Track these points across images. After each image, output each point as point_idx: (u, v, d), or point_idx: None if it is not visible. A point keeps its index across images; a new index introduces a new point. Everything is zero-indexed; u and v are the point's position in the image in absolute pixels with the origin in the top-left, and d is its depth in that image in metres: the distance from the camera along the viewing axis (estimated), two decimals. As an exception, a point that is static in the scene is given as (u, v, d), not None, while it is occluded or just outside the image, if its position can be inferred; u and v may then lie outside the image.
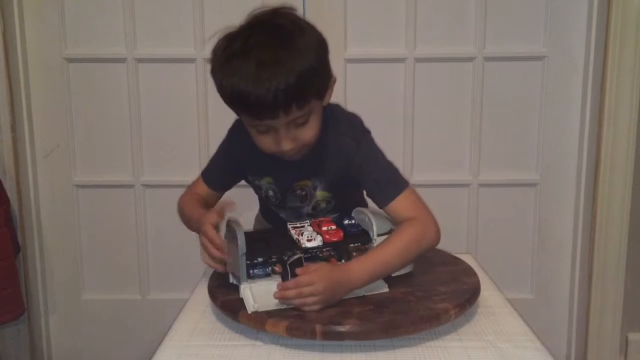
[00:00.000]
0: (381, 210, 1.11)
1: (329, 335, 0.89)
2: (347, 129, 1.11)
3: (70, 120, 1.88)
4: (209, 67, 1.83)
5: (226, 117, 1.94)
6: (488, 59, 1.83)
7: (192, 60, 1.84)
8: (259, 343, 0.93)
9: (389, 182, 1.07)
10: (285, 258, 1.00)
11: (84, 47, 1.84)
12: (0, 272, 1.68)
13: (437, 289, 1.03)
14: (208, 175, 1.22)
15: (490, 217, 1.92)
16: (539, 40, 1.82)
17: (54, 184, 1.92)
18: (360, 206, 1.14)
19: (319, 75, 1.01)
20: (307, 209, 1.15)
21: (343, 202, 1.16)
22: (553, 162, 1.89)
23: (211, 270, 1.15)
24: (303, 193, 1.14)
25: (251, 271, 0.99)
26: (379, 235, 1.05)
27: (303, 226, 1.09)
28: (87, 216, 1.94)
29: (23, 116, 1.84)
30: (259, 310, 0.94)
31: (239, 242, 0.97)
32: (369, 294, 1.00)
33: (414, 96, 1.85)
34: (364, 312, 0.94)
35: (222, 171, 1.20)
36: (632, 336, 1.88)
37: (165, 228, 1.93)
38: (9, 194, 1.79)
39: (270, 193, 1.16)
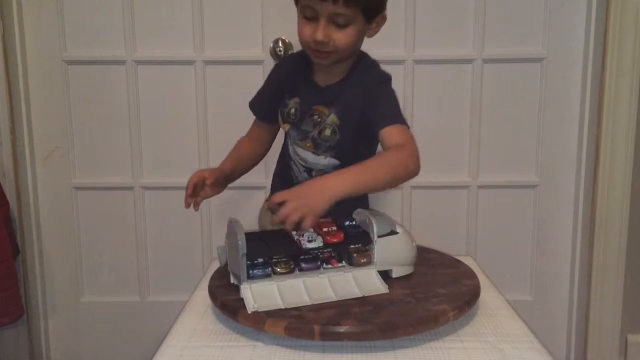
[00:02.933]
0: (382, 212, 1.11)
1: (327, 336, 0.90)
2: (375, 70, 1.25)
3: (69, 123, 1.88)
4: (208, 69, 1.85)
5: (225, 118, 1.95)
6: (487, 60, 1.83)
7: (191, 63, 1.84)
8: (259, 344, 0.93)
9: (391, 113, 1.17)
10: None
11: (84, 49, 1.84)
12: (-1, 274, 1.69)
13: (436, 291, 1.03)
14: (253, 104, 1.38)
15: (490, 219, 1.92)
16: (537, 42, 1.83)
17: (53, 186, 1.91)
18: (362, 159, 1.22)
19: None
20: (314, 133, 1.24)
21: (346, 143, 1.22)
22: (552, 163, 1.89)
23: (212, 271, 1.16)
24: (318, 119, 1.23)
25: (251, 271, 0.99)
26: (379, 236, 1.05)
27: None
28: (87, 218, 1.94)
29: (22, 118, 1.84)
30: (259, 311, 0.94)
31: (240, 242, 0.97)
32: (368, 295, 1.00)
33: (413, 98, 1.85)
34: (363, 312, 0.94)
35: (266, 97, 1.34)
36: (632, 338, 1.88)
37: (165, 230, 1.93)
38: (8, 196, 1.79)
39: (292, 111, 1.27)
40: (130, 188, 1.92)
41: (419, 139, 1.88)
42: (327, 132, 1.22)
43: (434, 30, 1.82)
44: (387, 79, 1.23)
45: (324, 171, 1.24)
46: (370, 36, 1.21)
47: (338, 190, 1.00)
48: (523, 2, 1.81)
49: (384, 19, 1.20)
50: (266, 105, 1.34)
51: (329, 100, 1.22)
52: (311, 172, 1.28)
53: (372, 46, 1.83)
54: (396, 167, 1.07)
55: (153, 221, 1.94)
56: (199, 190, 1.26)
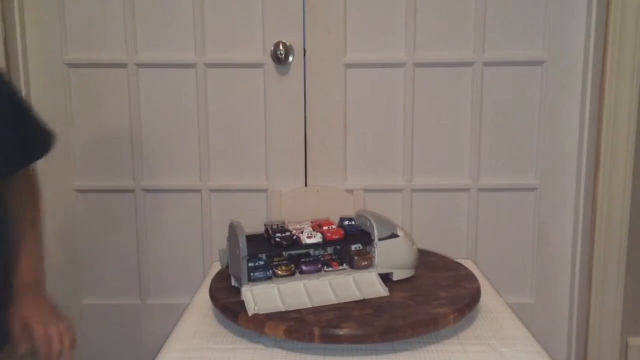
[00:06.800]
0: (382, 215, 1.11)
1: (327, 338, 0.90)
2: None
3: (70, 125, 1.88)
4: (209, 72, 1.85)
5: (226, 121, 1.95)
6: (487, 63, 1.84)
7: (192, 66, 1.84)
8: (260, 347, 0.93)
9: None
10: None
11: (85, 52, 1.85)
12: (0, 276, 1.68)
13: (437, 294, 1.03)
14: None
15: (490, 222, 1.92)
16: (538, 45, 1.83)
17: (54, 189, 1.91)
18: None
19: None
20: None
21: None
22: (552, 166, 1.89)
23: (213, 273, 1.16)
24: None
25: (252, 274, 0.99)
26: (380, 239, 1.06)
27: (303, 227, 1.10)
28: (87, 221, 1.94)
29: (24, 121, 1.84)
30: (259, 313, 0.94)
31: (241, 245, 0.98)
32: (369, 297, 1.00)
33: (414, 101, 1.85)
34: (363, 315, 0.94)
35: None
36: (632, 340, 1.88)
37: (166, 232, 1.93)
38: (9, 199, 1.78)
39: None
40: (132, 191, 1.92)
41: (420, 142, 1.91)
42: None
43: (434, 33, 1.83)
44: None
45: None
46: None
47: (42, 282, 1.07)
48: (523, 5, 1.81)
49: None
50: None
51: None
52: None
53: (373, 49, 1.85)
54: (39, 219, 1.12)
55: (154, 223, 1.94)
56: None
